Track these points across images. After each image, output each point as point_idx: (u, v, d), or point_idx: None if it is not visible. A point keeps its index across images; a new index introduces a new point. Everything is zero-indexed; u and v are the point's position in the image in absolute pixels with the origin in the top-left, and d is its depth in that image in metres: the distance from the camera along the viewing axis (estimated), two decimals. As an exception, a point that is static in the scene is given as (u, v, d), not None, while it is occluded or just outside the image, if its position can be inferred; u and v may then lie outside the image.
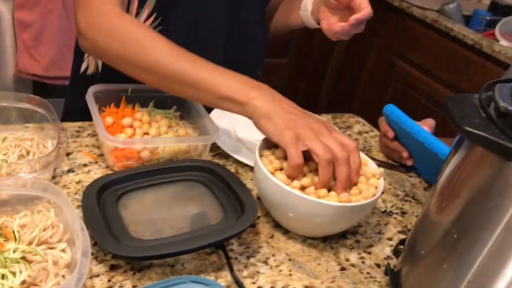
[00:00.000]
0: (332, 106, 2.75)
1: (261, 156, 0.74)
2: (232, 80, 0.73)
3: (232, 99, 0.72)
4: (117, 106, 0.86)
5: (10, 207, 0.64)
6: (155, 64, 0.74)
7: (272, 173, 0.71)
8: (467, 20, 2.17)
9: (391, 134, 0.94)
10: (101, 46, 0.77)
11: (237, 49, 1.01)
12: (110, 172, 0.77)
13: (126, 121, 0.81)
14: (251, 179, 0.84)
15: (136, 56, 0.75)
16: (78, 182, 0.73)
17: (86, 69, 1.01)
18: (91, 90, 0.83)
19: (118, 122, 0.82)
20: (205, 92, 0.73)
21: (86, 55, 1.01)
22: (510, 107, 0.49)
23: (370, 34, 2.46)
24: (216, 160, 0.87)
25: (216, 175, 0.77)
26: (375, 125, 1.14)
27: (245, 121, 1.00)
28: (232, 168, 0.85)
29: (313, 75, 2.65)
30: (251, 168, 0.86)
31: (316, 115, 0.86)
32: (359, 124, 1.11)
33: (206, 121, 0.85)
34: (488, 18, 2.04)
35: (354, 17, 0.87)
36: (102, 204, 0.67)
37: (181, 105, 0.91)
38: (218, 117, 0.94)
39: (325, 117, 1.07)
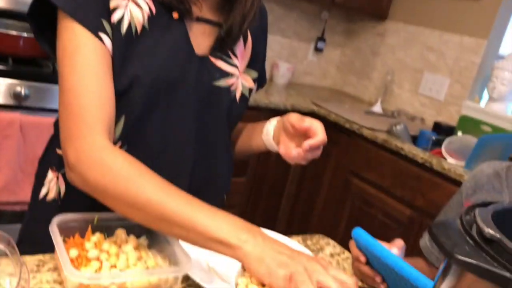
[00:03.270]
0: (290, 224, 2.74)
1: (237, 285, 0.71)
2: (223, 223, 0.71)
3: (223, 242, 0.70)
4: (82, 236, 0.81)
5: None
6: (146, 203, 0.73)
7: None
8: (414, 140, 2.31)
9: (363, 258, 0.93)
10: (90, 181, 0.76)
11: (204, 173, 1.01)
12: (73, 312, 0.70)
13: (93, 253, 0.76)
14: (226, 312, 0.78)
15: (126, 193, 0.73)
16: (37, 326, 0.66)
17: (46, 194, 0.97)
18: (55, 220, 0.78)
19: (83, 254, 0.77)
20: (195, 233, 0.71)
21: (47, 179, 0.98)
22: (495, 233, 0.50)
23: (324, 154, 2.55)
24: (187, 292, 0.81)
25: (190, 310, 0.72)
26: (341, 244, 1.13)
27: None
28: (204, 301, 0.80)
29: (271, 194, 2.67)
30: (225, 299, 0.81)
31: (309, 253, 0.85)
32: (329, 246, 1.09)
33: (176, 249, 0.81)
34: (434, 138, 2.18)
35: (307, 143, 0.91)
36: None
37: (149, 232, 0.87)
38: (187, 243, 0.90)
39: (295, 239, 1.05)
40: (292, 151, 0.94)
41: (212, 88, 0.96)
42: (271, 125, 1.04)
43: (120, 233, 0.84)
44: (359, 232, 0.92)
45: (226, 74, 0.98)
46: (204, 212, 0.73)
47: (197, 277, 0.83)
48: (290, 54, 3.18)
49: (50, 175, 0.98)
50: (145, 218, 0.75)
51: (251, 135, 1.11)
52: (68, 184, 0.95)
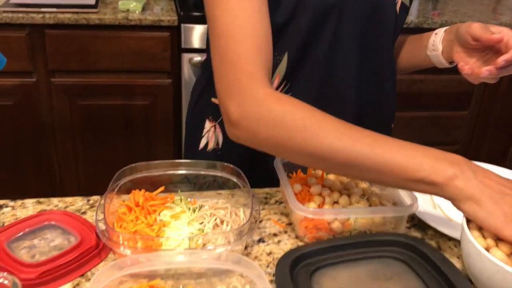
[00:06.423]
0: (524, 162, 2.42)
1: (469, 227, 0.63)
2: (421, 159, 0.62)
3: (426, 181, 0.62)
4: (303, 172, 0.83)
5: (205, 279, 0.64)
6: (328, 150, 0.65)
7: (487, 249, 0.60)
8: None
9: None
10: (261, 136, 0.69)
11: (369, 103, 0.92)
12: (300, 243, 0.73)
13: (315, 189, 0.77)
14: (458, 257, 0.72)
15: (304, 144, 0.66)
16: (269, 254, 0.70)
17: (206, 144, 0.97)
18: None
19: (305, 189, 0.78)
20: (390, 176, 0.64)
21: (205, 130, 0.96)
22: None
23: None
24: (412, 233, 0.77)
25: (418, 252, 0.68)
26: None
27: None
28: (432, 243, 0.75)
29: (499, 129, 2.37)
30: (455, 243, 0.75)
31: None
32: None
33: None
34: None
35: (502, 59, 0.75)
36: (295, 280, 0.63)
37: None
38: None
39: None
40: (481, 71, 0.79)
41: (376, 5, 0.84)
42: (438, 37, 0.90)
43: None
44: None
45: None
46: (396, 149, 0.64)
47: (423, 216, 0.78)
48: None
49: (208, 125, 0.95)
50: (329, 166, 0.69)
51: (413, 50, 0.99)
52: (225, 133, 0.89)
